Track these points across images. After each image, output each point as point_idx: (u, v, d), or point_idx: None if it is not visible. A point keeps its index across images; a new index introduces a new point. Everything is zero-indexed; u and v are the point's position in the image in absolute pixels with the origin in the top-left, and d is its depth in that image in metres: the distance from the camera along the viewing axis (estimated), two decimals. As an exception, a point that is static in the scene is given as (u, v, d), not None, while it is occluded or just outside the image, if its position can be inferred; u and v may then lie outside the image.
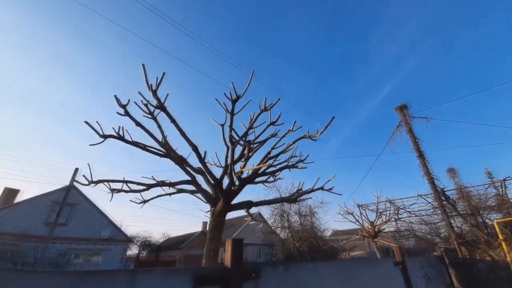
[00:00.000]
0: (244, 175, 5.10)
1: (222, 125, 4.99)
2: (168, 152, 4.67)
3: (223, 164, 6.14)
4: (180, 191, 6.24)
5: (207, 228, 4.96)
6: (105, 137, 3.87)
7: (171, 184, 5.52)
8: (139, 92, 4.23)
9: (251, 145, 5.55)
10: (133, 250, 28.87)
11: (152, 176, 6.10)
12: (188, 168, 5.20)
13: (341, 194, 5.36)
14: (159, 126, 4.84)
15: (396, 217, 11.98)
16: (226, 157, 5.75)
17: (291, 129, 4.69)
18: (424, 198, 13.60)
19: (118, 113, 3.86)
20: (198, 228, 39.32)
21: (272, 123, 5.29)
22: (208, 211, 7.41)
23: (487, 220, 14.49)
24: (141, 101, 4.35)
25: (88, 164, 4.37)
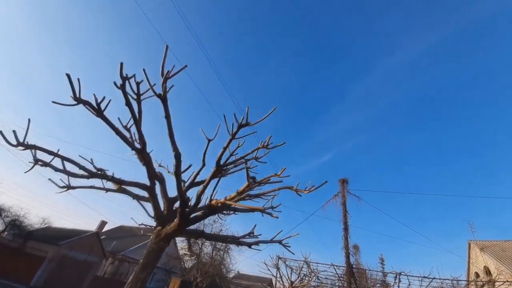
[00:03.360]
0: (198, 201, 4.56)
1: (210, 140, 4.53)
2: (143, 147, 3.87)
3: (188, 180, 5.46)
4: (122, 190, 5.11)
5: (144, 253, 4.02)
6: (80, 101, 2.95)
7: (120, 182, 4.48)
8: (143, 70, 3.53)
9: (224, 171, 5.15)
10: (-5, 225, 21.48)
11: (91, 160, 4.90)
12: (150, 172, 4.37)
13: (294, 253, 5.29)
14: (140, 112, 4.05)
15: (314, 282, 12.49)
16: (197, 174, 5.15)
17: (278, 173, 4.57)
18: (335, 269, 14.75)
19: (114, 83, 3.07)
20: (92, 226, 32.68)
21: (256, 158, 5.11)
22: (141, 224, 6.24)
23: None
24: (141, 81, 3.62)
25: (28, 120, 3.19)
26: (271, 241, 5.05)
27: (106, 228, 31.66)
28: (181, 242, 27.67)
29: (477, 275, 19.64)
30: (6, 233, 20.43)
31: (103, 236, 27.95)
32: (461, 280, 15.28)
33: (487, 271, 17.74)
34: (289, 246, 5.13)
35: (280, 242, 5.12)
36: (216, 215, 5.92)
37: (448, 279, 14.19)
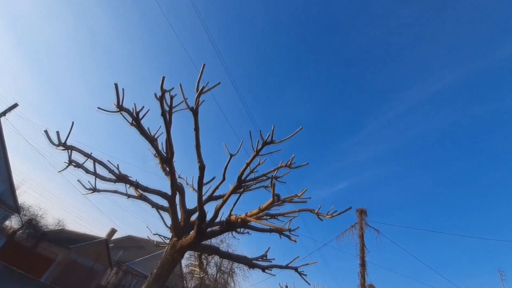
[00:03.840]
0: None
1: (232, 155, 4.59)
2: (171, 157, 4.01)
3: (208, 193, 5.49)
4: (142, 198, 5.22)
5: (158, 263, 3.98)
6: (122, 109, 3.19)
7: (144, 189, 4.60)
8: (180, 84, 3.77)
9: (245, 186, 5.13)
10: (12, 223, 22.34)
11: (117, 165, 5.11)
12: (173, 182, 4.47)
13: (309, 284, 4.96)
14: (171, 123, 4.26)
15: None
16: (216, 188, 5.17)
17: (298, 195, 4.47)
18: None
19: (155, 94, 3.31)
20: (102, 232, 33.03)
21: (276, 178, 5.07)
22: (155, 234, 6.25)
23: None
24: (174, 94, 3.87)
25: (72, 122, 3.46)
26: (287, 266, 4.80)
27: (115, 236, 31.81)
28: (185, 260, 27.00)
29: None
30: (21, 231, 21.12)
31: (111, 244, 27.99)
32: None
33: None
34: (306, 275, 4.84)
35: (296, 269, 4.85)
36: (228, 233, 5.81)
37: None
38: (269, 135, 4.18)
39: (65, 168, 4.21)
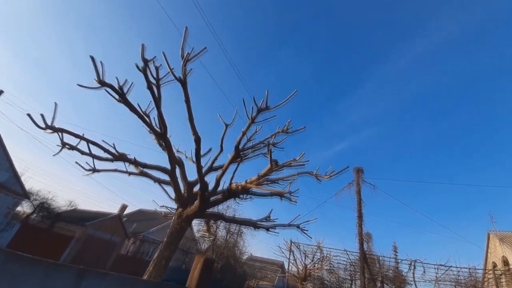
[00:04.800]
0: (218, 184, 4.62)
1: (227, 125, 4.52)
2: (165, 132, 3.92)
3: (208, 164, 5.54)
4: (143, 174, 5.28)
5: (168, 232, 4.20)
6: (103, 84, 2.99)
7: (143, 165, 4.62)
8: (163, 53, 3.49)
9: (243, 155, 5.17)
10: (24, 208, 23.21)
11: (113, 144, 5.06)
12: (171, 156, 4.46)
13: (311, 238, 5.34)
14: (160, 97, 4.07)
15: (327, 266, 12.71)
16: (215, 159, 5.21)
17: (297, 159, 4.52)
18: (348, 255, 14.84)
19: (136, 65, 3.07)
20: (113, 209, 34.61)
21: (274, 144, 5.07)
22: (162, 206, 6.49)
23: (385, 287, 16.49)
24: (160, 65, 3.61)
25: (55, 103, 3.29)
26: (289, 225, 5.10)
27: (126, 211, 33.44)
28: (196, 225, 28.88)
29: (494, 264, 19.19)
30: (35, 215, 22.03)
31: (125, 219, 29.54)
32: (478, 269, 14.98)
33: (505, 261, 17.27)
34: (307, 231, 5.17)
35: (298, 226, 5.16)
36: (232, 199, 6.04)
37: (465, 268, 13.95)
38: (263, 101, 4.04)
39: (59, 152, 4.16)
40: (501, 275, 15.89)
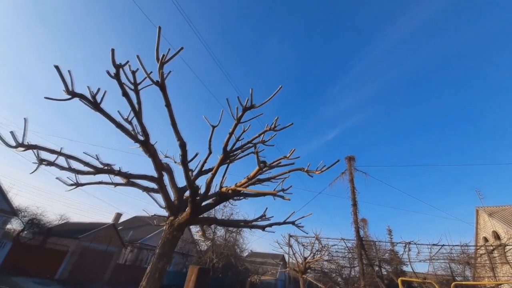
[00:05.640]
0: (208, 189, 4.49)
1: (214, 127, 4.37)
2: (146, 139, 3.74)
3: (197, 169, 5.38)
4: (130, 184, 5.07)
5: (160, 242, 4.05)
6: (73, 94, 2.77)
7: (128, 176, 4.42)
8: (137, 56, 3.29)
9: (232, 157, 5.05)
10: (14, 226, 22.34)
11: (96, 156, 4.82)
12: (157, 163, 4.28)
13: (307, 233, 5.32)
14: (140, 103, 3.87)
15: (326, 256, 12.87)
16: (204, 162, 5.05)
17: (287, 156, 4.43)
18: (345, 243, 15.08)
19: (107, 72, 2.87)
20: (108, 219, 33.89)
21: (263, 142, 4.97)
22: (154, 215, 6.29)
23: (383, 270, 16.91)
24: (135, 69, 3.40)
25: (24, 119, 3.05)
26: (284, 222, 5.04)
27: (122, 219, 32.76)
28: (195, 228, 28.69)
29: (485, 239, 19.98)
30: (25, 232, 21.26)
31: (120, 227, 28.99)
32: (470, 246, 15.57)
33: (496, 236, 17.99)
34: (303, 227, 5.13)
35: (293, 223, 5.11)
36: (226, 202, 5.92)
37: (458, 245, 14.45)
38: (248, 99, 3.91)
39: (36, 169, 3.91)
40: (493, 249, 16.55)
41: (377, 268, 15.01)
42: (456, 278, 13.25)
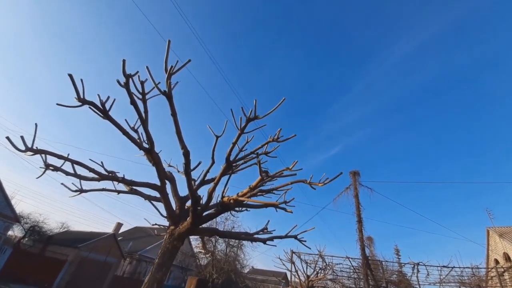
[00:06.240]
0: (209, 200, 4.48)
1: (218, 137, 4.43)
2: (152, 147, 3.80)
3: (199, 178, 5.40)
4: (133, 192, 5.10)
5: (159, 252, 4.00)
6: (84, 102, 2.89)
7: (131, 183, 4.45)
8: (147, 67, 3.44)
9: (235, 167, 5.06)
10: (15, 232, 22.33)
11: (101, 162, 4.90)
12: (160, 172, 4.32)
13: (310, 248, 5.17)
14: (147, 112, 3.98)
15: (330, 276, 12.39)
16: (207, 172, 5.08)
17: (290, 167, 4.43)
18: (351, 262, 14.54)
19: (118, 81, 2.99)
20: (108, 228, 33.60)
21: (266, 153, 4.99)
22: (155, 224, 6.25)
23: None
24: (146, 79, 3.54)
25: (35, 124, 3.17)
26: (286, 236, 4.94)
27: (122, 229, 32.44)
28: (195, 240, 28.12)
29: (496, 261, 19.06)
30: (26, 239, 21.19)
31: (120, 238, 28.65)
32: (481, 268, 14.82)
33: (507, 258, 17.17)
34: (305, 241, 5.01)
35: (295, 237, 5.00)
36: (229, 212, 5.86)
37: (468, 267, 13.78)
38: (251, 110, 3.99)
39: (42, 174, 3.99)
40: (504, 272, 15.76)
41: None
42: (467, 303, 12.53)
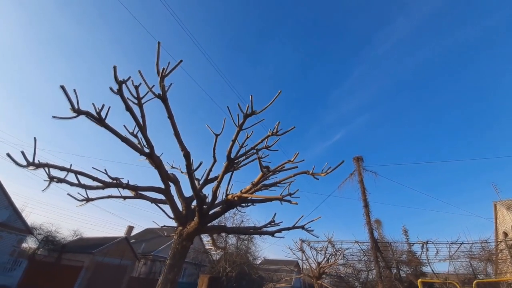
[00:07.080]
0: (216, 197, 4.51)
1: (217, 135, 4.42)
2: (152, 152, 3.81)
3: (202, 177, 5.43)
4: (139, 196, 5.15)
5: (170, 253, 4.07)
6: (79, 112, 2.88)
7: (136, 188, 4.49)
8: (139, 71, 3.40)
9: (236, 163, 5.07)
10: (29, 244, 22.81)
11: (105, 170, 4.93)
12: (163, 175, 4.34)
13: (317, 237, 5.23)
14: (144, 116, 3.97)
15: (340, 261, 12.56)
16: (209, 171, 5.09)
17: (292, 159, 4.42)
18: (360, 246, 14.71)
19: (110, 88, 2.97)
20: (120, 232, 34.22)
21: (267, 147, 4.98)
22: (163, 226, 6.34)
23: (401, 272, 16.29)
24: (138, 84, 3.51)
25: (34, 138, 3.17)
26: (294, 227, 4.98)
27: (133, 232, 33.02)
28: (206, 237, 28.57)
29: (505, 234, 19.13)
30: (41, 249, 21.65)
31: (133, 240, 29.19)
32: (490, 242, 14.91)
33: (517, 230, 17.20)
34: (312, 230, 5.06)
35: (302, 227, 5.05)
36: (235, 208, 5.91)
37: (477, 242, 13.87)
38: (248, 106, 3.96)
39: (47, 186, 4.02)
40: (514, 244, 15.80)
41: (395, 271, 14.52)
42: (478, 276, 12.68)
